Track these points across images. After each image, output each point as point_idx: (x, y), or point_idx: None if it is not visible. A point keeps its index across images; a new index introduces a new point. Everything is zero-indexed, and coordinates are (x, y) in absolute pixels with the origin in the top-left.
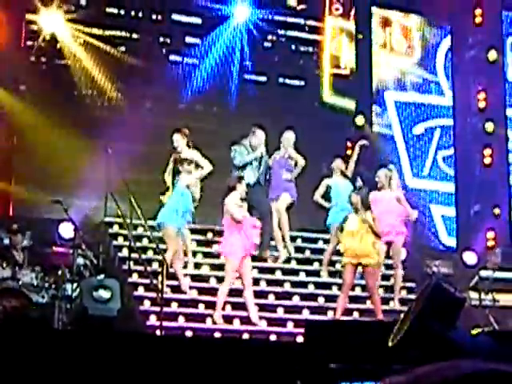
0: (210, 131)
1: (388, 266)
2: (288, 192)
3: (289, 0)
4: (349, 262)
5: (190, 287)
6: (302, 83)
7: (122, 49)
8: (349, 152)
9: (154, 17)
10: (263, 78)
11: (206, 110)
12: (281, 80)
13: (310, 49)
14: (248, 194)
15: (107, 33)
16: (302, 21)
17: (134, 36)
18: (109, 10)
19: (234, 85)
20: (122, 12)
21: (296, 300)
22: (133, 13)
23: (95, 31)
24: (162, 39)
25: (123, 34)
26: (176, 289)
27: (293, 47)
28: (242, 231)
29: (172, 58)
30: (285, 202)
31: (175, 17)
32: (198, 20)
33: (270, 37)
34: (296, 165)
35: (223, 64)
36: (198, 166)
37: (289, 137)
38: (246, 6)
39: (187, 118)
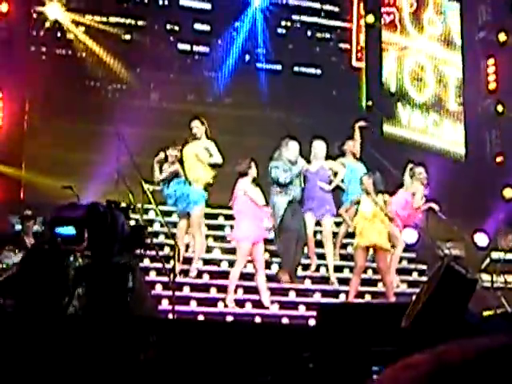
0: (222, 117)
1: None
2: (331, 213)
3: None
4: (361, 245)
5: (202, 271)
6: (319, 72)
7: (127, 37)
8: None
9: (160, 2)
10: (278, 67)
11: (216, 100)
12: (296, 69)
13: (327, 35)
14: (291, 211)
15: (112, 20)
16: (318, 5)
17: (140, 23)
18: None
19: (246, 74)
20: None
21: (308, 283)
22: None
23: (98, 18)
24: (169, 26)
25: (128, 21)
26: (188, 273)
27: (309, 33)
28: (253, 216)
29: (180, 46)
30: (330, 225)
31: (183, 2)
32: (207, 5)
33: (284, 22)
34: (335, 174)
35: (234, 52)
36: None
37: (321, 147)
38: None
39: (198, 105)
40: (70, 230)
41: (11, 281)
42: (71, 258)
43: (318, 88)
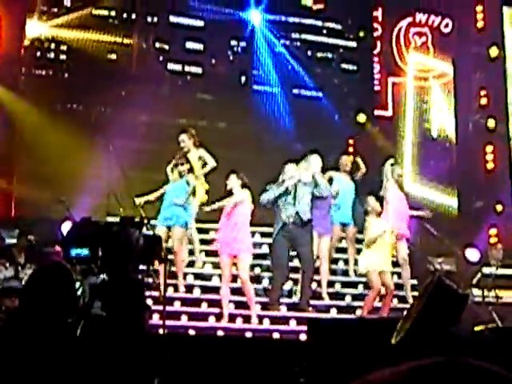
0: (216, 141)
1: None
2: (329, 234)
3: None
4: (375, 269)
5: (193, 286)
6: (320, 94)
7: (113, 56)
8: (350, 149)
9: (149, 19)
10: (276, 89)
11: (209, 125)
12: (295, 91)
13: (329, 55)
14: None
15: (95, 37)
16: (319, 23)
17: (126, 41)
18: (97, 11)
19: (242, 96)
20: (113, 13)
21: (298, 298)
22: (125, 15)
23: (81, 35)
24: (158, 45)
25: (113, 38)
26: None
27: (309, 53)
28: (223, 228)
29: (171, 65)
30: (326, 245)
31: (174, 19)
32: (200, 22)
33: (282, 41)
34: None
35: (229, 72)
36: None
37: (317, 162)
38: (254, 5)
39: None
40: (83, 251)
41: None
42: (87, 276)
43: (318, 111)
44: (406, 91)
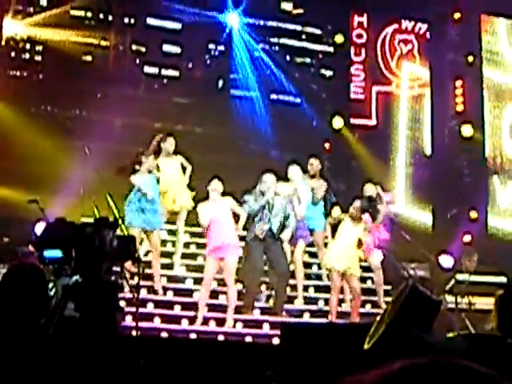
0: (192, 147)
1: (364, 269)
2: (305, 238)
3: (283, 3)
4: (337, 269)
5: (166, 288)
6: (298, 100)
7: (89, 58)
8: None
9: (126, 20)
10: (254, 94)
11: (187, 131)
12: (273, 96)
13: (308, 60)
14: (266, 246)
15: (71, 38)
16: (298, 27)
17: (103, 43)
18: (73, 12)
19: (219, 101)
20: (89, 14)
21: (271, 302)
22: (101, 16)
23: (57, 36)
24: (135, 47)
25: (90, 40)
26: (152, 289)
27: (288, 58)
28: (209, 232)
29: (147, 68)
30: (301, 249)
31: (151, 21)
32: (177, 25)
33: (261, 45)
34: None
35: (206, 76)
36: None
37: (297, 172)
38: (232, 9)
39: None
40: (56, 253)
41: None
42: (60, 277)
43: (297, 117)
44: (398, 101)
